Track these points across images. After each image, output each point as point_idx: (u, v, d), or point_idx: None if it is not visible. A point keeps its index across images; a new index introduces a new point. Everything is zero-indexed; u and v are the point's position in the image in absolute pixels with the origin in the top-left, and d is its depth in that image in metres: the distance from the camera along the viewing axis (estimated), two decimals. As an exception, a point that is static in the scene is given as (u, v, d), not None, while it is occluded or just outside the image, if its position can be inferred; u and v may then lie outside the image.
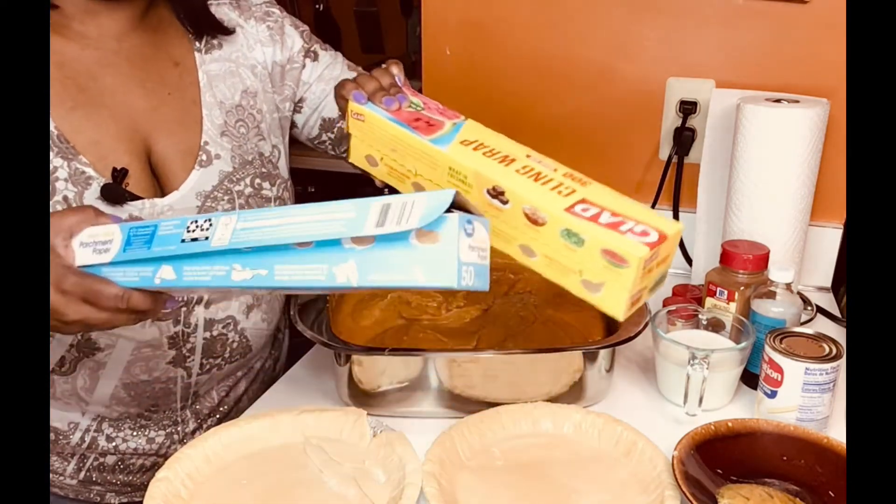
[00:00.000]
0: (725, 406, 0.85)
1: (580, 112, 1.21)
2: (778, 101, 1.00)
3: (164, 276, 0.57)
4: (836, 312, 1.07)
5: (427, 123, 0.69)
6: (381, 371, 0.79)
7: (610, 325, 0.86)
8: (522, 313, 0.90)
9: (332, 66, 0.97)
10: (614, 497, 0.69)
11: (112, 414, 0.87)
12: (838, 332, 0.99)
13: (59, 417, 0.86)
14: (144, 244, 0.57)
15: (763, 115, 0.97)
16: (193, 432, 0.91)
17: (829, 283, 1.16)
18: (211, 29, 0.86)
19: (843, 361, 0.76)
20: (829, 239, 1.14)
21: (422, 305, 0.93)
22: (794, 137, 0.97)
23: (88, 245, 0.59)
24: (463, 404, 0.80)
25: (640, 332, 0.80)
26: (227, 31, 0.87)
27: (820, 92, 1.05)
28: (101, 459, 0.89)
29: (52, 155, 0.75)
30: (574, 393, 0.81)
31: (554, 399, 0.80)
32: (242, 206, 0.85)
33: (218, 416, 0.93)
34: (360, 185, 1.82)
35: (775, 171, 0.99)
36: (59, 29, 0.78)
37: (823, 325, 1.04)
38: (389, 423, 0.77)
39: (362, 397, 0.81)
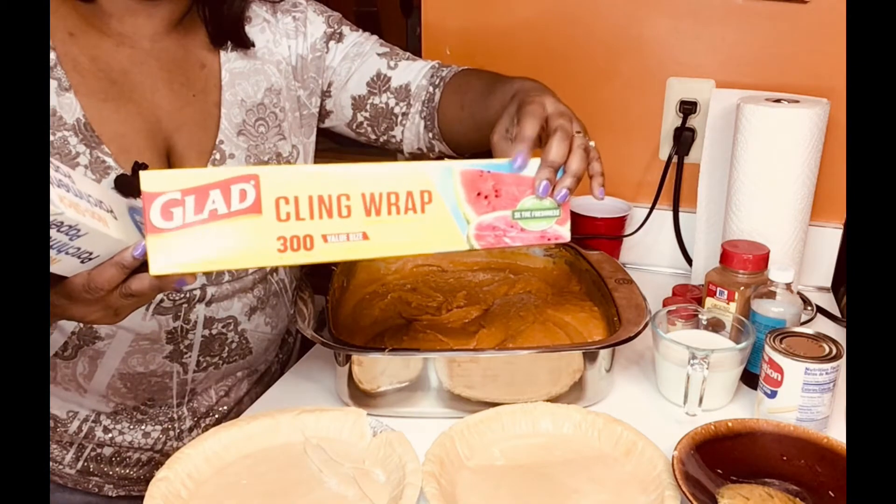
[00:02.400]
0: (725, 406, 0.85)
1: (580, 112, 1.20)
2: (778, 101, 1.00)
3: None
4: (836, 312, 1.07)
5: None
6: (381, 371, 0.79)
7: (610, 325, 0.86)
8: (522, 313, 0.90)
9: (359, 44, 0.95)
10: (614, 497, 0.69)
11: (109, 406, 0.87)
12: (838, 332, 0.99)
13: (58, 405, 0.87)
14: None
15: (763, 115, 0.97)
16: (190, 430, 0.91)
17: (829, 283, 1.16)
18: (233, 41, 0.87)
19: (843, 361, 0.76)
20: (829, 239, 1.14)
21: (422, 305, 0.93)
22: (794, 137, 0.97)
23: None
24: (463, 404, 0.80)
25: (640, 332, 0.80)
26: (248, 46, 0.87)
27: (820, 92, 1.05)
28: (99, 450, 0.89)
29: (75, 140, 0.76)
30: (574, 393, 0.81)
31: (554, 399, 0.80)
32: None
33: (217, 415, 0.93)
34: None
35: (775, 171, 0.99)
36: (96, 24, 0.79)
37: (823, 325, 1.04)
38: (389, 423, 0.77)
39: (362, 397, 0.81)
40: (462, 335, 0.87)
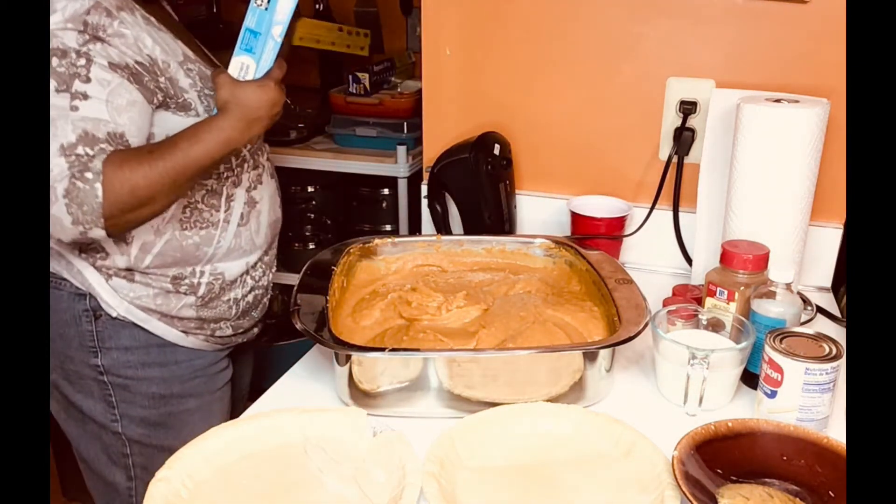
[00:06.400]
0: (725, 406, 0.85)
1: (580, 112, 1.21)
2: (778, 101, 1.00)
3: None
4: (836, 312, 1.07)
5: None
6: (381, 371, 0.79)
7: (610, 325, 0.86)
8: (522, 313, 0.90)
9: None
10: (614, 497, 0.69)
11: (257, 255, 1.08)
12: (838, 332, 0.99)
13: (232, 265, 1.05)
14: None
15: (763, 115, 0.97)
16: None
17: (829, 283, 1.16)
18: None
19: (843, 361, 0.76)
20: (829, 239, 1.14)
21: (422, 305, 0.93)
22: (794, 137, 0.97)
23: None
24: (463, 404, 0.80)
25: (640, 332, 0.80)
26: None
27: (820, 92, 1.05)
28: (250, 297, 1.10)
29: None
30: (574, 393, 0.81)
31: (554, 399, 0.81)
32: None
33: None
34: (361, 185, 1.82)
35: (775, 171, 0.99)
36: None
37: (823, 325, 1.04)
38: (389, 423, 0.77)
39: (362, 397, 0.81)
40: (462, 335, 0.87)
